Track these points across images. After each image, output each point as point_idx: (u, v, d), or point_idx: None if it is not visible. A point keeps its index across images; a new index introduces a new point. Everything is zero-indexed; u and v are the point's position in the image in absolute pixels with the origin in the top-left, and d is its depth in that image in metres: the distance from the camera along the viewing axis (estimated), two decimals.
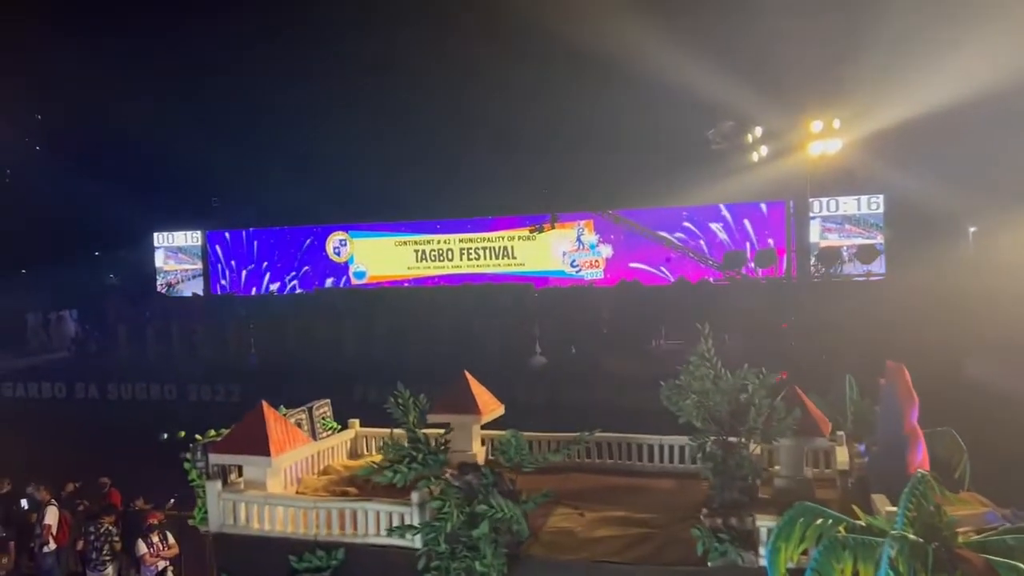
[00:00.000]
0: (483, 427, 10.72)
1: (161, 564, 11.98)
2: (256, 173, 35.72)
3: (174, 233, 41.64)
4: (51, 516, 12.86)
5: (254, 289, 40.89)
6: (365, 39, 33.99)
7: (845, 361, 20.72)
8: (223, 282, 41.82)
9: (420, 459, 8.03)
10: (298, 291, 39.16)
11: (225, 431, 9.44)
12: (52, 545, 12.79)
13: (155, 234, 41.66)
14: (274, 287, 40.57)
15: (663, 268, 34.16)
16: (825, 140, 26.87)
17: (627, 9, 28.38)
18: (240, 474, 9.25)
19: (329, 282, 39.35)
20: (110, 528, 12.33)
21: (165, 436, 14.03)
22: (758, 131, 29.47)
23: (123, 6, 35.31)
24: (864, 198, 32.56)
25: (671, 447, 10.52)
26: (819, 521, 5.98)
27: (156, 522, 12.18)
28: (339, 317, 29.32)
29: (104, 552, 12.21)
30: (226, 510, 8.82)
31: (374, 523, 8.34)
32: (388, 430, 11.29)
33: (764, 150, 29.60)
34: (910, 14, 24.29)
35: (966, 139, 26.61)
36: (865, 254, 30.51)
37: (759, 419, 8.26)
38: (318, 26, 34.06)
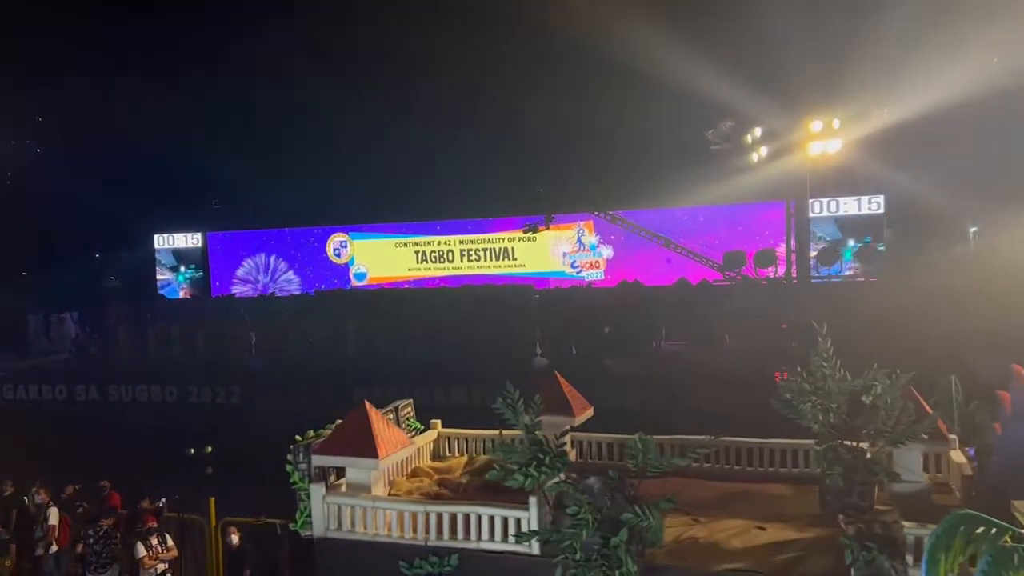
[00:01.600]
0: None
1: (160, 567, 11.97)
2: (257, 174, 35.72)
3: (174, 235, 41.64)
4: (54, 518, 12.88)
5: (254, 290, 40.90)
6: (365, 40, 34.03)
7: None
8: (221, 283, 41.87)
9: (548, 462, 7.71)
10: (298, 292, 39.16)
11: (324, 432, 9.15)
12: (55, 547, 12.80)
13: (155, 236, 41.66)
14: (275, 288, 40.58)
15: (664, 268, 34.14)
16: (825, 140, 26.88)
17: (627, 9, 28.39)
18: (338, 476, 8.99)
19: (330, 283, 39.33)
20: (110, 531, 12.31)
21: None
22: (758, 131, 29.49)
23: (124, 6, 35.34)
24: (864, 198, 32.58)
25: (771, 451, 10.14)
26: (980, 530, 5.54)
27: (154, 524, 12.17)
28: (340, 318, 29.34)
29: (103, 555, 12.19)
30: (331, 514, 8.53)
31: (488, 527, 8.04)
32: (470, 432, 11.11)
33: (764, 150, 29.61)
34: (910, 14, 24.30)
35: (967, 139, 26.61)
36: (866, 254, 30.49)
37: (889, 422, 7.99)
38: (319, 27, 34.09)
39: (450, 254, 38.22)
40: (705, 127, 30.55)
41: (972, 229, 31.75)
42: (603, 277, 35.93)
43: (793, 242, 30.24)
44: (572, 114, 32.29)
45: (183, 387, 25.31)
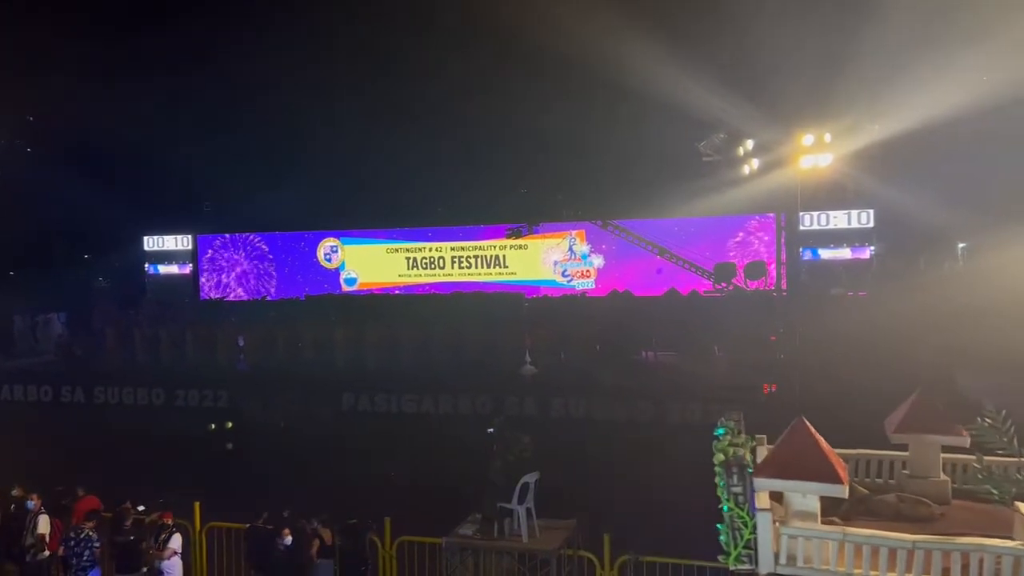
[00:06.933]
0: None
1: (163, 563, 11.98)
2: (248, 178, 35.65)
3: (164, 237, 41.48)
4: (44, 525, 12.79)
5: (244, 293, 40.76)
6: (358, 47, 34.05)
7: (833, 373, 20.91)
8: (211, 284, 41.72)
9: None
10: (288, 297, 39.03)
11: (734, 447, 7.82)
12: (46, 553, 12.74)
13: (145, 238, 41.50)
14: (264, 292, 40.45)
15: (655, 278, 34.23)
16: (816, 154, 27.00)
17: (621, 23, 28.52)
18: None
19: (320, 288, 39.22)
20: (90, 534, 12.25)
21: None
22: (749, 144, 29.58)
23: (115, 8, 35.25)
24: (854, 212, 32.86)
25: None
26: None
27: (168, 521, 12.22)
28: (329, 323, 29.25)
29: (84, 558, 12.14)
30: (787, 548, 7.18)
31: (992, 567, 6.70)
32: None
33: (755, 163, 29.72)
34: (903, 30, 24.52)
35: (957, 155, 26.86)
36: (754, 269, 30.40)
37: None
38: (311, 34, 34.10)
39: (441, 260, 38.20)
40: (697, 139, 30.65)
41: (960, 245, 32.01)
42: (594, 286, 35.99)
43: (783, 254, 30.35)
44: (565, 124, 32.35)
45: (170, 390, 25.15)
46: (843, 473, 7.16)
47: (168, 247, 41.61)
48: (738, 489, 7.44)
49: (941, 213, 27.26)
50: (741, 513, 7.44)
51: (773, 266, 30.57)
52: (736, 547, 7.41)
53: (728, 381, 22.68)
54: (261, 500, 13.27)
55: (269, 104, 35.92)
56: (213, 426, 13.65)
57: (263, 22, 33.80)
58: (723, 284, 30.00)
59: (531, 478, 11.82)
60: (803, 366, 21.11)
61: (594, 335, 27.05)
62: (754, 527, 7.23)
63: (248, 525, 12.61)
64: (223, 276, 41.65)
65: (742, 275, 30.18)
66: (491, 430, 12.73)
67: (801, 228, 31.86)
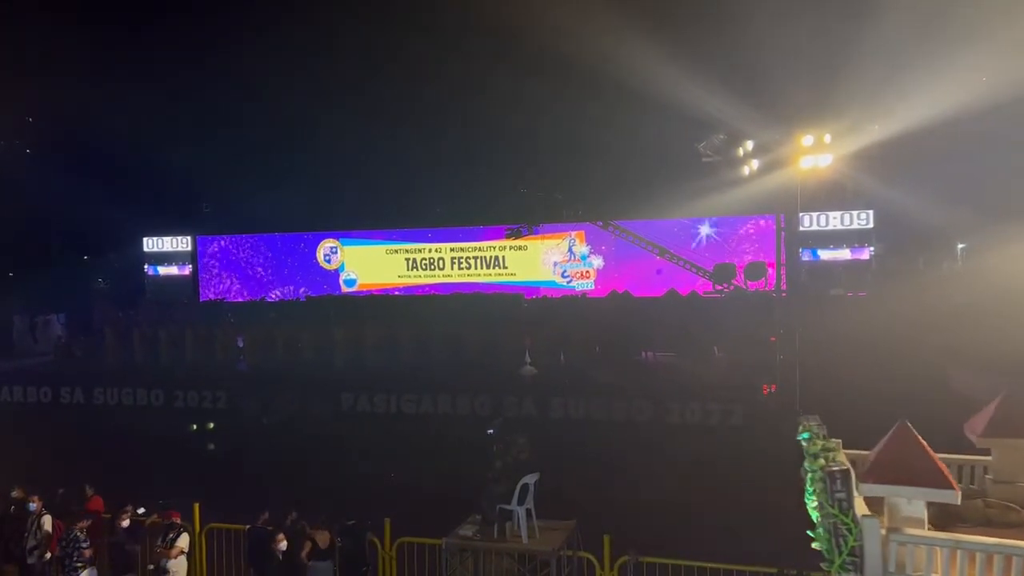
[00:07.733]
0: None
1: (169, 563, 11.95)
2: (247, 179, 35.64)
3: (163, 238, 41.45)
4: (48, 525, 12.80)
5: (244, 294, 40.74)
6: (358, 47, 34.06)
7: (833, 372, 20.92)
8: (212, 286, 41.70)
9: None
10: (288, 298, 39.03)
11: (836, 446, 7.67)
12: (49, 555, 12.76)
13: (144, 239, 41.47)
14: (263, 293, 40.43)
15: (654, 279, 34.21)
16: (816, 155, 26.99)
17: (621, 23, 28.52)
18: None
19: (320, 289, 39.21)
20: (79, 535, 12.24)
21: (195, 427, 14.06)
22: (749, 144, 29.56)
23: (115, 9, 35.26)
24: (853, 213, 32.85)
25: None
26: None
27: (176, 520, 12.21)
28: (329, 324, 29.25)
29: (74, 559, 12.14)
30: (896, 556, 6.88)
31: None
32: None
33: (755, 163, 29.70)
34: (903, 29, 24.53)
35: (956, 155, 26.86)
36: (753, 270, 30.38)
37: None
38: (311, 34, 34.11)
39: (440, 262, 38.19)
40: (697, 139, 30.65)
41: (960, 245, 32.01)
42: (593, 287, 35.98)
43: (783, 255, 30.36)
44: (565, 124, 32.38)
45: (169, 391, 25.13)
46: (952, 479, 7.00)
47: (167, 248, 41.56)
48: (842, 495, 7.24)
49: (940, 213, 27.26)
50: (846, 520, 7.24)
51: (773, 267, 30.59)
52: (840, 555, 7.22)
53: (728, 381, 22.69)
54: (261, 501, 13.24)
55: (268, 105, 35.93)
56: (195, 427, 13.69)
57: (263, 23, 33.79)
58: (723, 285, 29.98)
59: (531, 479, 11.80)
60: (803, 366, 21.10)
61: (594, 336, 27.04)
62: (858, 534, 7.02)
63: (248, 526, 12.59)
64: (222, 277, 41.64)
65: (742, 276, 30.17)
66: (491, 431, 12.71)
67: (801, 229, 31.83)
